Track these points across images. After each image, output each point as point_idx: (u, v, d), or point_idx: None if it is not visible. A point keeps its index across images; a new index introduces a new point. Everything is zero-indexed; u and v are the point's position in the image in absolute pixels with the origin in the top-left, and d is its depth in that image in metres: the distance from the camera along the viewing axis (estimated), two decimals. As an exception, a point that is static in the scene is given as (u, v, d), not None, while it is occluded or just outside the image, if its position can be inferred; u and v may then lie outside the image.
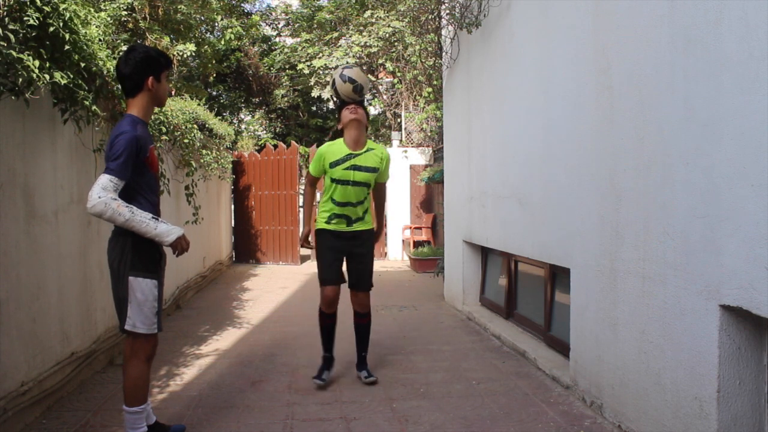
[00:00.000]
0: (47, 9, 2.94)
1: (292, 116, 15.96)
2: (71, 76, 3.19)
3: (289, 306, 6.80)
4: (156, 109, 4.78)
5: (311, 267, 10.37)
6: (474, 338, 5.12)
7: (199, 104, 7.18)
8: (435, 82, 10.53)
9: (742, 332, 2.40)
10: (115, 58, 3.80)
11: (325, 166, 3.77)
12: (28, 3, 2.82)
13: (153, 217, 2.63)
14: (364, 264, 3.88)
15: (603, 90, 3.23)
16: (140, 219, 2.58)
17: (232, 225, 11.25)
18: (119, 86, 3.85)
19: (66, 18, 3.09)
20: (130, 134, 2.59)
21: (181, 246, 2.73)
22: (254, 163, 11.29)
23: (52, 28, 2.99)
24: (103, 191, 2.48)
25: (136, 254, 2.67)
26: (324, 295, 3.84)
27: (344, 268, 3.95)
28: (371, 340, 5.05)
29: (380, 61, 11.99)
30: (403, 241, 11.32)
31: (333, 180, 3.76)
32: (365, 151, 3.77)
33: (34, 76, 2.85)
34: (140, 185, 2.68)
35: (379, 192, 4.08)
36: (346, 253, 3.88)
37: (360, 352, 4.03)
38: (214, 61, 9.45)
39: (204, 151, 7.01)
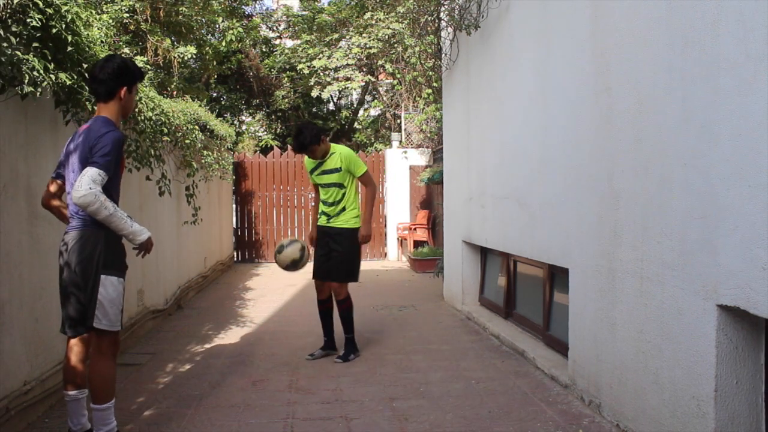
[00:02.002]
0: (50, 11, 2.97)
1: (293, 117, 15.98)
2: (74, 77, 3.21)
3: (291, 305, 6.82)
4: (157, 110, 4.81)
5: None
6: (473, 338, 5.14)
7: (200, 105, 7.20)
8: (434, 84, 10.55)
9: (739, 332, 2.42)
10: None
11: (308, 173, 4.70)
12: (31, 5, 2.85)
13: (128, 216, 2.70)
14: (337, 259, 4.48)
15: (601, 91, 3.25)
16: (120, 215, 2.64)
17: (235, 226, 11.28)
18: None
19: (68, 20, 3.11)
20: (118, 134, 2.68)
21: (147, 247, 2.81)
22: (259, 164, 11.37)
23: (54, 30, 3.01)
24: (93, 183, 2.53)
25: (108, 253, 2.70)
26: (315, 285, 4.63)
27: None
28: (372, 338, 5.10)
29: (380, 63, 12.01)
30: (398, 238, 11.32)
31: (315, 183, 4.65)
32: (329, 157, 4.52)
33: (39, 76, 2.87)
34: (113, 184, 2.74)
35: (365, 186, 4.64)
36: (328, 248, 4.51)
37: (344, 334, 4.57)
38: (215, 63, 9.46)
39: (205, 152, 7.02)
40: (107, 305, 2.69)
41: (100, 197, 2.54)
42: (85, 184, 2.52)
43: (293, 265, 4.44)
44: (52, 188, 2.87)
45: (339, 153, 4.51)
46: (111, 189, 2.71)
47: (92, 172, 2.55)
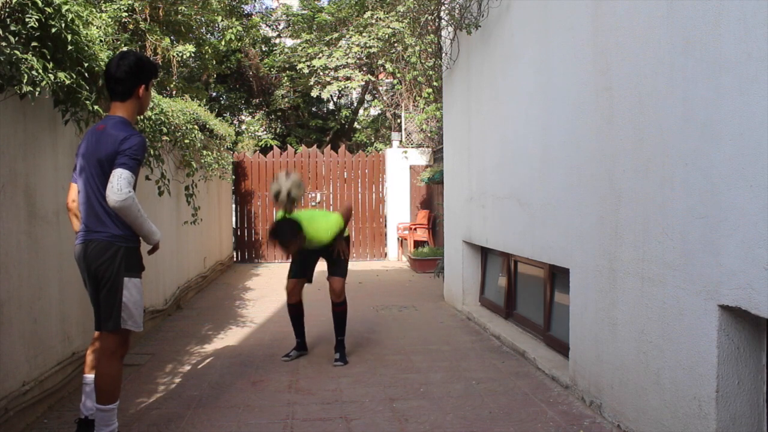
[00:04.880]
0: (49, 10, 2.96)
1: (293, 117, 15.96)
2: (74, 76, 3.20)
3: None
4: (157, 110, 4.80)
5: (318, 265, 10.38)
6: (474, 338, 5.13)
7: (199, 105, 7.18)
8: (435, 83, 10.53)
9: (740, 332, 2.41)
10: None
11: None
12: (30, 4, 2.83)
13: (145, 216, 2.74)
14: (336, 260, 4.51)
15: (602, 91, 3.24)
16: (145, 216, 2.69)
17: (234, 226, 11.26)
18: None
19: (68, 19, 3.10)
20: (143, 138, 2.71)
21: (157, 247, 2.89)
22: (259, 164, 11.36)
23: (54, 29, 3.00)
24: (128, 186, 2.56)
25: (128, 256, 2.71)
26: (289, 287, 4.60)
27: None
28: (372, 338, 5.09)
29: (380, 62, 11.99)
30: (398, 238, 11.32)
31: None
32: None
33: (38, 75, 2.86)
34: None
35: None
36: (316, 254, 4.53)
37: (336, 336, 4.52)
38: (214, 62, 9.44)
39: (204, 152, 7.01)
40: (132, 307, 2.71)
41: (135, 200, 2.59)
42: (124, 186, 2.54)
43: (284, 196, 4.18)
44: (73, 192, 2.87)
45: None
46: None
47: (126, 174, 2.56)
